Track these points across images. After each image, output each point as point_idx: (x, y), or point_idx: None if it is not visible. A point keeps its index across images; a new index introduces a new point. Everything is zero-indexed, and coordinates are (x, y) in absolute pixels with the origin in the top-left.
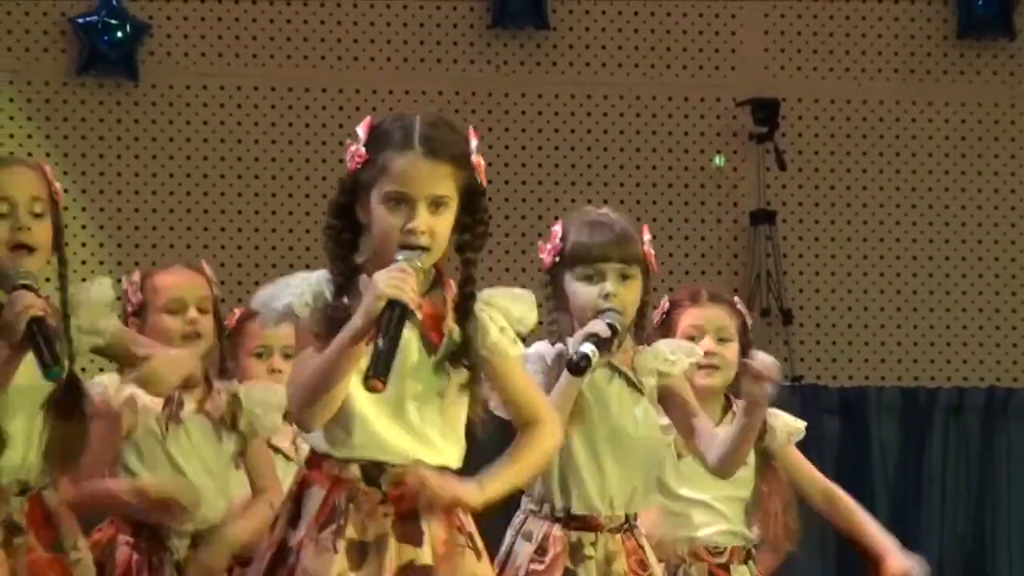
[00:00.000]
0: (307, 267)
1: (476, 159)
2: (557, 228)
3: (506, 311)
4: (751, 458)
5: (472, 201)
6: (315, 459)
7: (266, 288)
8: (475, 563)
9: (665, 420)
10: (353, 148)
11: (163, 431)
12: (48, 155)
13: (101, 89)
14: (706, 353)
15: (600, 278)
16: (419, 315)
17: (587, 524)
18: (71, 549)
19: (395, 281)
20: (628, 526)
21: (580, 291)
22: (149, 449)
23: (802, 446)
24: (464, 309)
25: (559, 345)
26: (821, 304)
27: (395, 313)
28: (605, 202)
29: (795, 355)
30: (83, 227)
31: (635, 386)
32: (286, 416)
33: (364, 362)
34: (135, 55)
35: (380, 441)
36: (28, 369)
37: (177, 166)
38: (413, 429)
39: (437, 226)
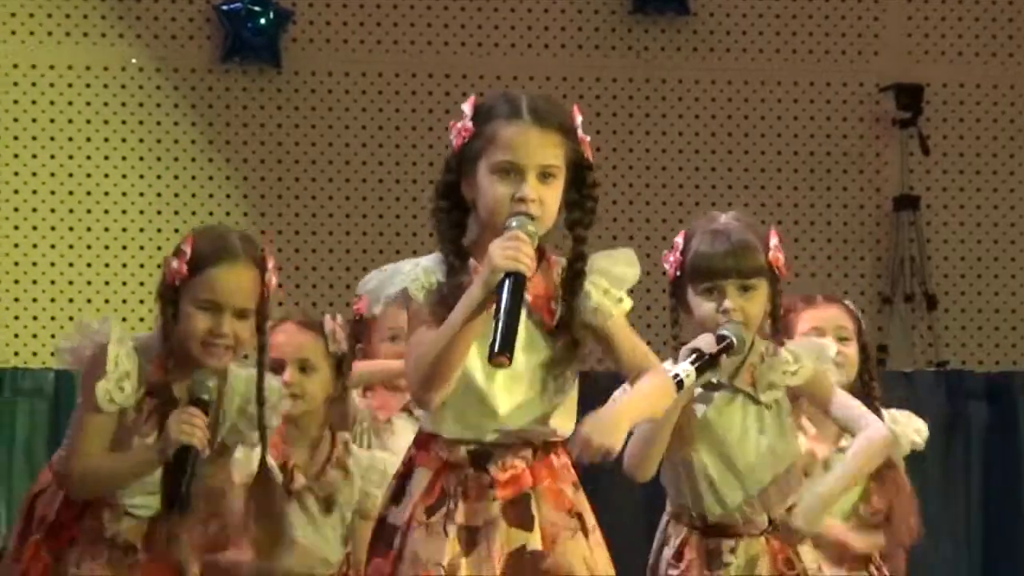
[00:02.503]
0: None
1: (582, 135)
2: (679, 239)
3: (606, 272)
4: None
5: (580, 176)
6: (423, 439)
7: (373, 274)
8: (585, 546)
9: (812, 430)
10: (459, 124)
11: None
12: (193, 142)
13: (245, 76)
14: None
15: (720, 293)
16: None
17: (724, 532)
18: (188, 563)
19: (511, 251)
20: (772, 528)
21: (700, 305)
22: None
23: (949, 432)
24: (574, 286)
25: (667, 363)
26: (966, 289)
27: (514, 284)
28: (746, 188)
29: (940, 340)
30: (227, 214)
31: (758, 401)
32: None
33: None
34: (278, 42)
35: (494, 419)
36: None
37: (319, 153)
38: (528, 405)
39: (546, 197)
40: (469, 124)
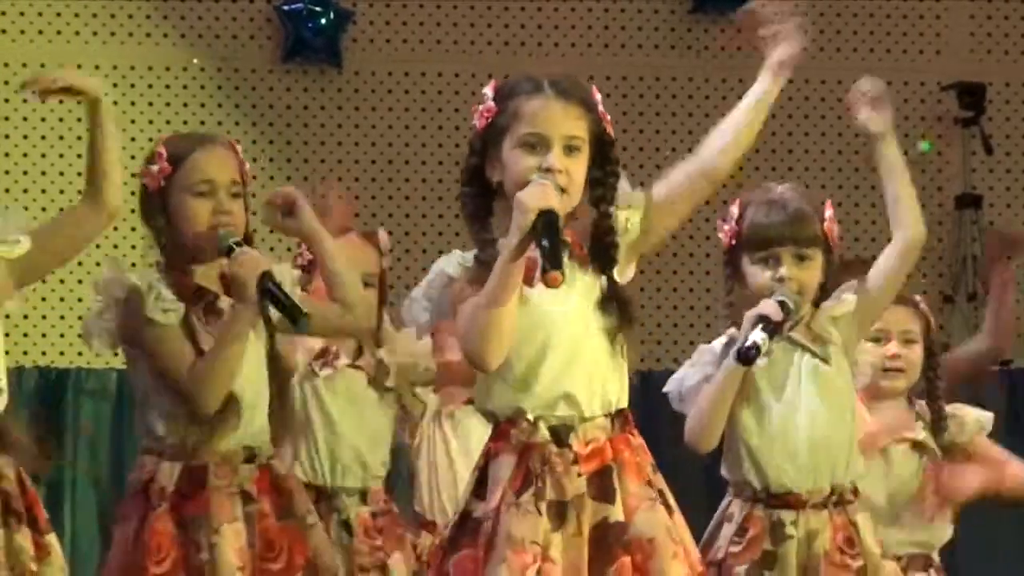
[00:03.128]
0: None
1: (603, 111)
2: (734, 208)
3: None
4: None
5: (603, 152)
6: (501, 429)
7: (416, 291)
8: (667, 517)
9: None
10: (481, 106)
11: (315, 374)
12: (254, 142)
13: (305, 76)
14: (891, 356)
15: (775, 262)
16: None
17: (787, 502)
18: (306, 515)
19: (538, 191)
20: (837, 500)
21: (755, 274)
22: (300, 395)
23: (1012, 431)
24: (607, 259)
25: (731, 330)
26: None
27: (547, 220)
28: (807, 187)
29: None
30: None
31: (817, 355)
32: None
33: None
34: (339, 42)
35: (564, 389)
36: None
37: (379, 153)
38: (598, 377)
39: (572, 169)
40: (491, 104)
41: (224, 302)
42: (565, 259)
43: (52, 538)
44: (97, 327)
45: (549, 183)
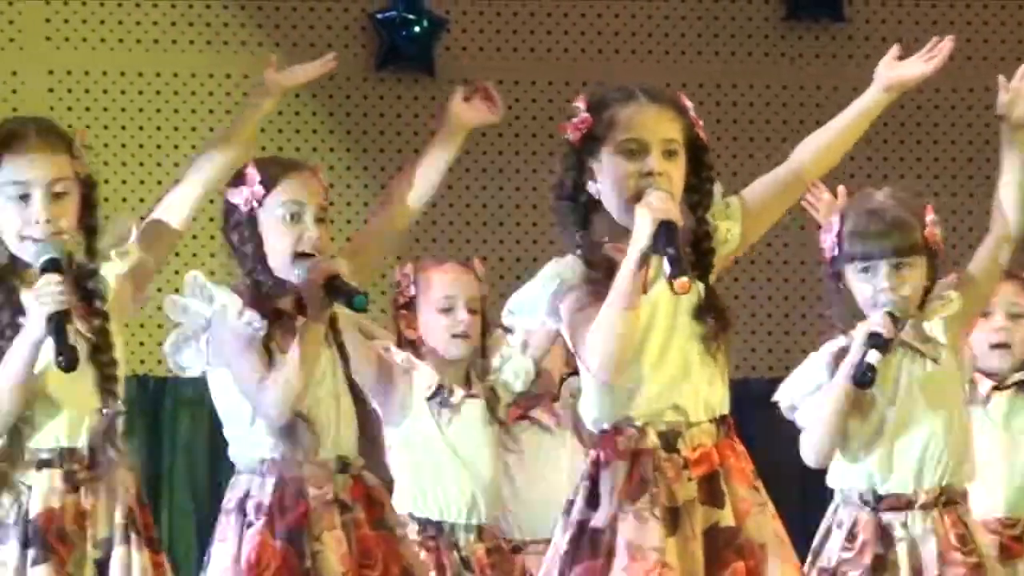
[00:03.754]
0: None
1: (695, 116)
2: (835, 219)
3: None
4: None
5: (698, 158)
6: (607, 437)
7: (519, 295)
8: (775, 521)
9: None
10: (574, 119)
11: (437, 414)
12: (348, 150)
13: (399, 84)
14: (996, 330)
15: (877, 272)
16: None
17: (896, 504)
18: (396, 526)
19: (660, 202)
20: (947, 501)
21: (859, 285)
22: (421, 429)
23: None
24: (704, 266)
25: (842, 339)
26: None
27: (669, 227)
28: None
29: None
30: None
31: (927, 356)
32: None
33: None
34: (432, 50)
35: (671, 396)
36: (328, 348)
37: (473, 160)
38: (694, 381)
39: (672, 172)
40: (585, 115)
41: (300, 323)
42: (667, 265)
43: (164, 558)
44: (183, 344)
45: (667, 192)
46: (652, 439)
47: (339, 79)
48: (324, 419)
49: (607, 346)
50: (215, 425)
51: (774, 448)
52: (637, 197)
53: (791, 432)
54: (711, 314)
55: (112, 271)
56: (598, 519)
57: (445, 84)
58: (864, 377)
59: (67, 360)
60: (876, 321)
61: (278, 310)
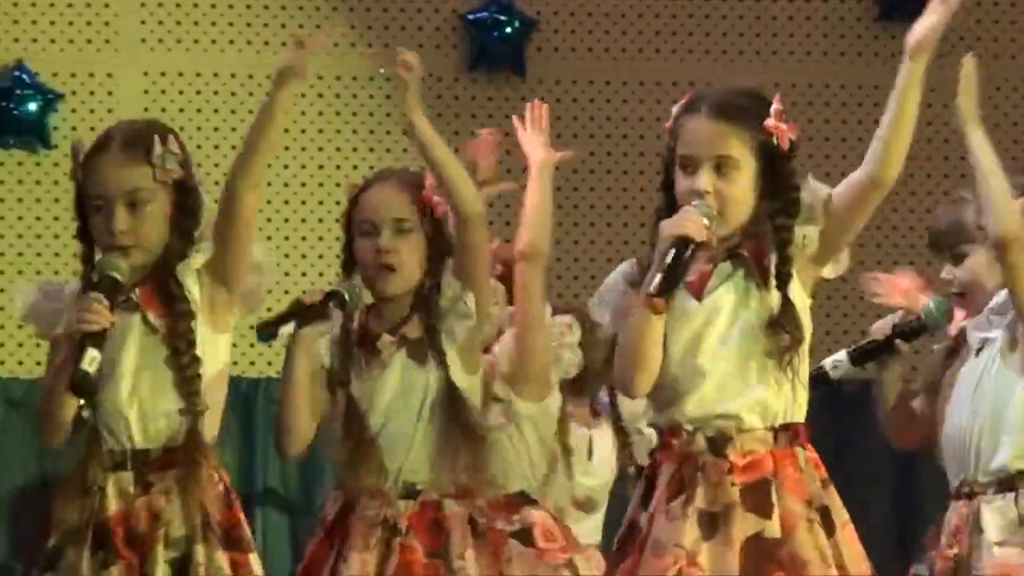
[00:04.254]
0: None
1: (772, 122)
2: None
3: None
4: None
5: (773, 165)
6: (665, 441)
7: (599, 294)
8: (824, 539)
9: None
10: (669, 124)
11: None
12: None
13: (490, 84)
14: None
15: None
16: (714, 243)
17: (984, 490)
18: (455, 558)
19: (678, 220)
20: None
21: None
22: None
23: None
24: (783, 275)
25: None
26: None
27: (679, 248)
28: None
29: None
30: None
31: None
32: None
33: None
34: (523, 50)
35: (722, 403)
36: (405, 370)
37: (571, 171)
38: (749, 389)
39: (726, 189)
40: (672, 121)
41: (384, 341)
42: (740, 275)
43: (254, 557)
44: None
45: (694, 211)
46: (700, 443)
47: (429, 80)
48: (389, 444)
49: (627, 361)
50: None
51: (866, 449)
52: None
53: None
54: (784, 327)
55: (190, 270)
56: (643, 518)
57: (536, 85)
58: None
59: (79, 385)
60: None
61: (366, 329)
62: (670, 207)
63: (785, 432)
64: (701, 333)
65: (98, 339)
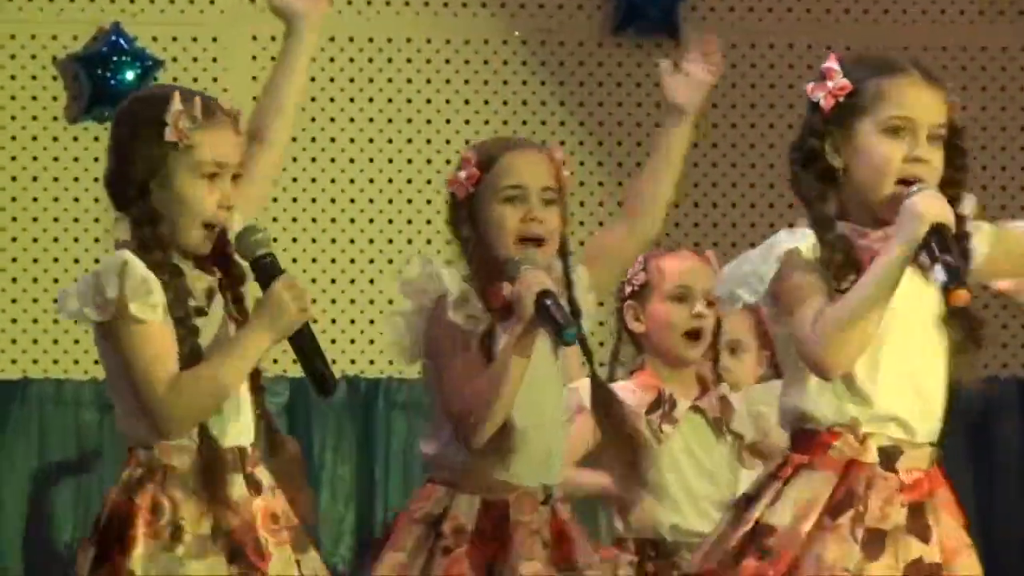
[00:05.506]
0: None
1: (954, 100)
2: None
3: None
4: None
5: (955, 147)
6: (817, 439)
7: (739, 263)
8: (976, 565)
9: None
10: (830, 83)
11: (657, 433)
12: (581, 124)
13: (639, 49)
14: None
15: None
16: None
17: None
18: (584, 568)
19: (935, 203)
20: None
21: None
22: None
23: None
24: (962, 251)
25: None
26: None
27: (943, 233)
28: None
29: None
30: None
31: None
32: None
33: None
34: (676, 10)
35: (900, 409)
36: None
37: (721, 135)
38: (925, 397)
39: (936, 161)
40: (843, 81)
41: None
42: (910, 268)
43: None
44: (401, 333)
45: (933, 191)
46: (872, 453)
47: (571, 44)
48: (536, 443)
49: (842, 336)
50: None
51: None
52: (902, 182)
53: None
54: (961, 323)
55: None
56: (776, 517)
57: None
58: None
59: (329, 383)
60: None
61: (511, 305)
62: (824, 176)
63: (936, 449)
64: (882, 330)
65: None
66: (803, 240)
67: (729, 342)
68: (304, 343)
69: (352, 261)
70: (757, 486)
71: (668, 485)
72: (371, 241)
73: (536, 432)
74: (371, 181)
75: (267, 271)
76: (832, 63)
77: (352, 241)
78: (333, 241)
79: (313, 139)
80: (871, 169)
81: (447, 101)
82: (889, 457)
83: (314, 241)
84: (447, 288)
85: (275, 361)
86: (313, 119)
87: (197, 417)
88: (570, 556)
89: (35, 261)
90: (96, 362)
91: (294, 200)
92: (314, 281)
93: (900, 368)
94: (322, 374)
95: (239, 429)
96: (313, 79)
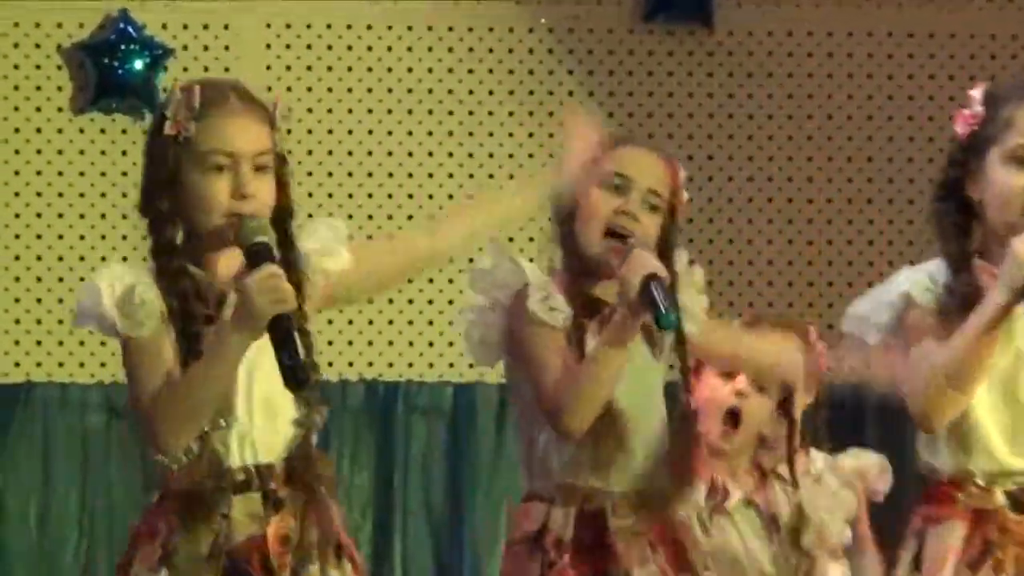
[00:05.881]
0: (910, 263)
1: None
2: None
3: None
4: None
5: None
6: (942, 491)
7: (859, 304)
8: None
9: None
10: (965, 111)
11: (706, 521)
12: (611, 115)
13: (670, 37)
14: None
15: None
16: None
17: None
18: (703, 569)
19: None
20: None
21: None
22: None
23: None
24: None
25: None
26: None
27: None
28: None
29: None
30: None
31: None
32: None
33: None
34: None
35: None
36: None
37: (756, 127)
38: None
39: None
40: (978, 109)
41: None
42: None
43: None
44: (476, 332)
45: None
46: (998, 498)
47: (600, 32)
48: (635, 446)
49: (937, 393)
50: (455, 436)
51: None
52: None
53: None
54: None
55: (317, 267)
56: None
57: (724, 37)
58: None
59: (300, 376)
60: None
61: (597, 300)
62: (962, 210)
63: None
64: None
65: (292, 320)
66: (917, 282)
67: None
68: (276, 334)
69: None
70: (904, 544)
71: None
72: (390, 238)
73: (635, 436)
74: (390, 175)
75: (255, 260)
76: (975, 91)
77: (369, 238)
78: (350, 238)
79: (330, 131)
80: (996, 201)
81: (470, 92)
82: (1018, 501)
83: None
84: (528, 279)
85: None
86: (330, 110)
87: (181, 429)
88: (684, 559)
89: (39, 259)
90: (103, 365)
91: (310, 195)
92: None
93: (1017, 410)
94: (289, 367)
95: (261, 444)
96: (330, 68)
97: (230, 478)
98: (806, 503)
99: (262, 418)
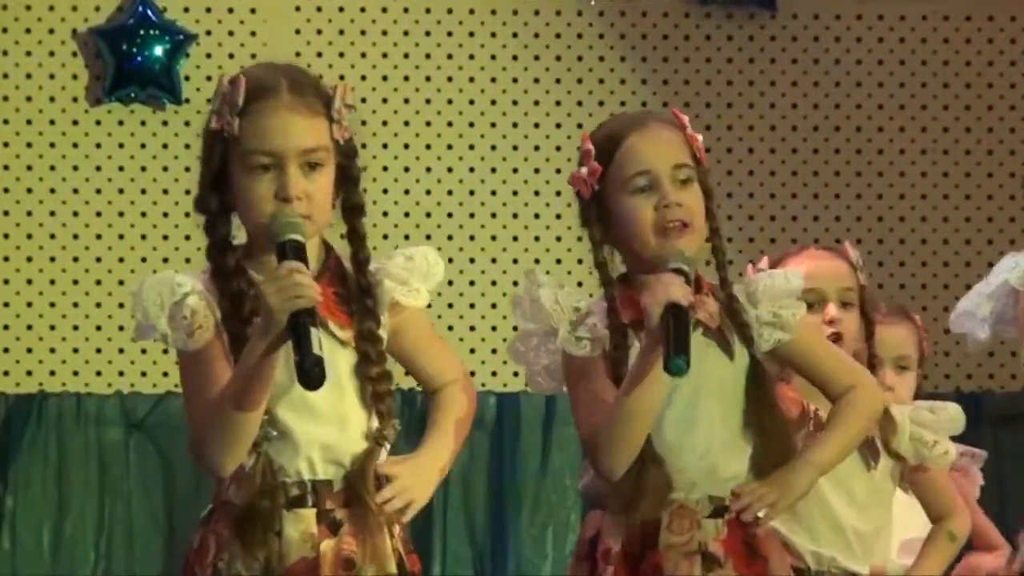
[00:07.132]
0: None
1: None
2: None
3: None
4: None
5: None
6: None
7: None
8: None
9: None
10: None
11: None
12: (665, 104)
13: (729, 21)
14: None
15: None
16: None
17: None
18: None
19: None
20: None
21: None
22: None
23: None
24: None
25: None
26: None
27: None
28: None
29: None
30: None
31: None
32: None
33: None
34: None
35: None
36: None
37: (823, 117)
38: None
39: None
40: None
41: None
42: None
43: None
44: (529, 357)
45: None
46: None
47: (654, 15)
48: (690, 460)
49: None
50: (496, 452)
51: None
52: None
53: None
54: None
55: (388, 289)
56: None
57: (788, 21)
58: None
59: (312, 375)
60: None
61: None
62: None
63: None
64: None
65: (314, 316)
66: (1018, 273)
67: (897, 358)
68: (293, 334)
69: None
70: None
71: (808, 513)
72: (428, 237)
73: (691, 452)
74: (428, 169)
75: (282, 257)
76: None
77: (407, 237)
78: (385, 237)
79: (364, 122)
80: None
81: (514, 80)
82: None
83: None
84: (551, 322)
85: None
86: (364, 99)
87: (226, 445)
88: (763, 572)
89: (52, 260)
90: (121, 373)
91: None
92: None
93: None
94: (301, 365)
95: (321, 458)
96: (364, 55)
97: (284, 493)
98: (911, 418)
99: (327, 430)
